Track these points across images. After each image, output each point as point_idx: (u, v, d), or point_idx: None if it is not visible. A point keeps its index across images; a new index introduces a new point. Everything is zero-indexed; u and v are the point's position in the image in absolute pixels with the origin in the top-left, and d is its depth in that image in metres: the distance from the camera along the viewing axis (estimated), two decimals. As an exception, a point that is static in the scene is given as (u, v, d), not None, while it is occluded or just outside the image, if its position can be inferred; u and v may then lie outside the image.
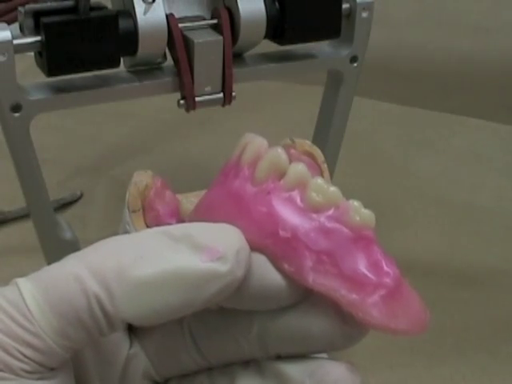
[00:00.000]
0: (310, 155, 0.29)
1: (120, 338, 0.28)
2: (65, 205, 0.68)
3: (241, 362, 0.27)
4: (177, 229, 0.24)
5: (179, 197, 0.30)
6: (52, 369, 0.24)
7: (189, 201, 0.29)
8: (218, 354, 0.27)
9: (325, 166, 0.29)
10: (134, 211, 0.29)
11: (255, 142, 0.27)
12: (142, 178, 0.29)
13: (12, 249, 0.62)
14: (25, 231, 0.62)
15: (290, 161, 0.26)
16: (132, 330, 0.28)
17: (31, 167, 0.46)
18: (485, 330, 0.55)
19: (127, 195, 0.29)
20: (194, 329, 0.27)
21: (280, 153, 0.26)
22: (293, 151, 0.29)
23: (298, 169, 0.26)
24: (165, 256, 0.24)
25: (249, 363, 0.27)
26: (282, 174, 0.26)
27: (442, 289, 0.58)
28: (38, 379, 0.23)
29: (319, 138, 0.55)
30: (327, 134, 0.54)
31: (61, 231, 0.51)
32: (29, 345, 0.23)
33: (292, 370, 0.26)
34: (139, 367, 0.28)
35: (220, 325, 0.27)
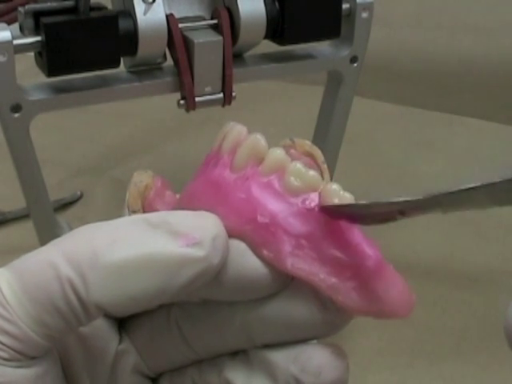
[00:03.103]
0: (310, 155, 0.29)
1: (108, 334, 0.28)
2: (65, 205, 0.68)
3: (229, 353, 0.27)
4: (155, 216, 0.24)
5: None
6: (33, 358, 0.24)
7: (189, 201, 0.29)
8: (205, 346, 0.27)
9: (325, 166, 0.29)
10: (133, 211, 0.29)
11: (235, 130, 0.26)
12: (141, 178, 0.29)
13: (12, 249, 0.62)
14: (25, 231, 0.62)
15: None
16: (122, 325, 0.28)
17: (31, 167, 0.46)
18: (485, 330, 0.55)
19: (127, 195, 0.29)
20: (181, 322, 0.27)
21: (258, 139, 0.26)
22: (293, 151, 0.29)
23: (277, 154, 0.26)
24: (140, 241, 0.24)
25: (237, 353, 0.27)
26: (261, 160, 0.26)
27: (442, 289, 0.58)
28: (17, 367, 0.23)
29: (319, 138, 0.55)
30: (327, 133, 0.54)
31: (61, 231, 0.51)
32: (5, 332, 0.23)
33: (277, 356, 0.26)
34: (129, 362, 0.28)
35: (204, 317, 0.27)
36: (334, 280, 0.24)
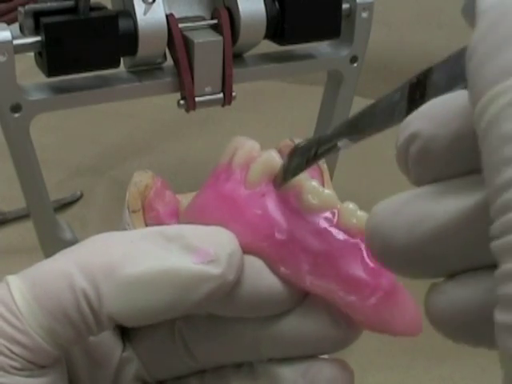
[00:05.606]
0: (310, 155, 0.29)
1: (112, 342, 0.28)
2: (65, 205, 0.68)
3: (233, 365, 0.27)
4: (170, 229, 0.24)
5: (179, 197, 0.29)
6: (43, 367, 0.24)
7: (189, 201, 0.29)
8: (210, 358, 0.27)
9: (325, 167, 0.29)
10: (133, 211, 0.29)
11: (247, 145, 0.26)
12: (141, 178, 0.29)
13: (12, 249, 0.62)
14: (25, 231, 0.62)
15: None
16: (125, 333, 0.28)
17: (31, 167, 0.46)
18: (485, 330, 0.55)
19: (127, 195, 0.29)
20: (186, 334, 0.27)
21: (273, 155, 0.26)
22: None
23: None
24: (155, 255, 0.23)
25: (242, 365, 0.27)
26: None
27: (442, 289, 0.58)
28: (28, 377, 0.23)
29: (319, 138, 0.55)
30: (327, 134, 0.54)
31: (61, 231, 0.51)
32: (17, 342, 0.23)
33: (284, 370, 0.26)
34: (132, 370, 0.28)
35: (211, 331, 0.27)
36: (352, 298, 0.24)
